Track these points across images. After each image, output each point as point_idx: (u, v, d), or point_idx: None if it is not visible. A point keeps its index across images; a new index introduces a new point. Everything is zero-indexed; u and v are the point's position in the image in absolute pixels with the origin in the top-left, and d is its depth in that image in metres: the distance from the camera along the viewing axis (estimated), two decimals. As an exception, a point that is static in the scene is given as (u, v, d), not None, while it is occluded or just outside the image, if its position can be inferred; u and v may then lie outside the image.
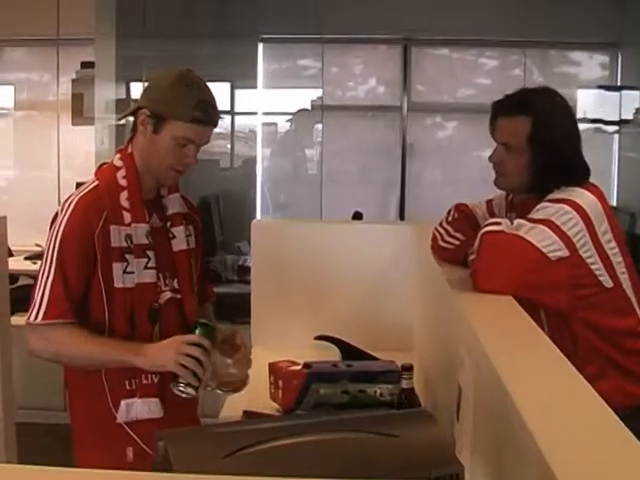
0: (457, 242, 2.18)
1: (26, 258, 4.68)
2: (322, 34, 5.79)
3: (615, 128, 5.90)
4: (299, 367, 2.28)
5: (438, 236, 2.25)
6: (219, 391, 2.09)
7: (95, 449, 2.00)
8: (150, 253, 1.99)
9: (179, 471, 1.04)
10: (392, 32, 5.88)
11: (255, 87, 6.02)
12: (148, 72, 5.43)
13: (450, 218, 2.26)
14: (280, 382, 2.25)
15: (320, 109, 5.97)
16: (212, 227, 5.31)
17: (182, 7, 5.75)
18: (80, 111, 5.16)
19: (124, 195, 1.98)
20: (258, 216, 5.96)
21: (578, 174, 2.03)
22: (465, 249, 2.06)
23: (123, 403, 1.96)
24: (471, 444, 1.51)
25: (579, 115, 5.69)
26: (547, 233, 1.86)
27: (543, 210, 1.92)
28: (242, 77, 6.06)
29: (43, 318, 1.90)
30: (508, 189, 2.17)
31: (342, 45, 6.11)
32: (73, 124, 5.23)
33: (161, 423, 1.93)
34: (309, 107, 6.05)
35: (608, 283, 1.95)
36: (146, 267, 1.97)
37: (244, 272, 4.99)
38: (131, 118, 2.06)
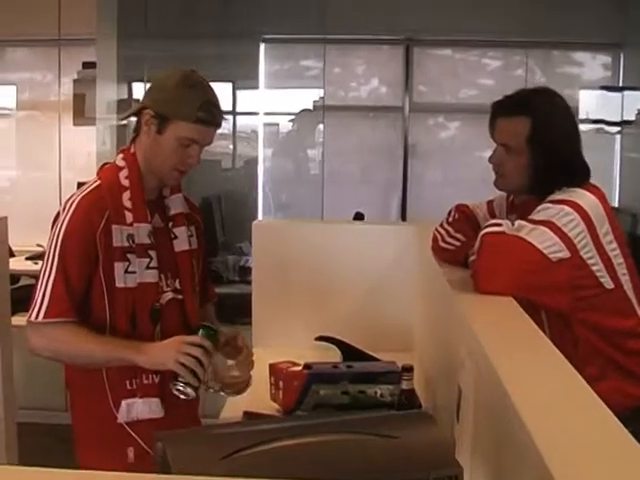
0: (458, 243, 2.18)
1: (27, 258, 4.68)
2: (324, 34, 5.79)
3: (617, 129, 5.90)
4: (299, 368, 2.28)
5: (439, 237, 2.25)
6: (222, 393, 2.09)
7: (96, 449, 2.01)
8: (152, 253, 1.99)
9: (177, 472, 1.04)
10: (394, 32, 5.88)
11: (257, 87, 6.02)
12: (150, 72, 5.43)
13: (451, 219, 2.26)
14: (280, 383, 2.25)
15: (322, 109, 5.97)
16: (214, 227, 5.32)
17: (183, 7, 5.76)
18: (82, 111, 5.17)
19: (126, 195, 1.98)
20: (260, 216, 5.96)
21: (578, 175, 2.02)
22: (466, 250, 2.06)
23: (124, 403, 1.96)
24: (471, 445, 1.51)
25: (581, 116, 5.70)
26: (548, 234, 1.86)
27: (544, 211, 1.92)
28: (244, 77, 6.06)
29: (44, 317, 1.91)
30: (508, 190, 2.17)
31: (344, 45, 6.11)
32: (74, 124, 5.23)
33: (162, 423, 1.93)
34: (311, 107, 6.05)
35: (609, 284, 1.94)
36: (148, 267, 1.98)
37: (245, 273, 4.99)
38: (134, 118, 2.07)
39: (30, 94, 5.44)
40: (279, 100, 6.18)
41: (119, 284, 1.94)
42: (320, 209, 5.82)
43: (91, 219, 1.93)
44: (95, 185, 2.00)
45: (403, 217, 5.93)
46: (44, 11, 5.04)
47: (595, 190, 2.00)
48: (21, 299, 2.78)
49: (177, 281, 2.06)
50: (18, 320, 2.84)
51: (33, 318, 1.92)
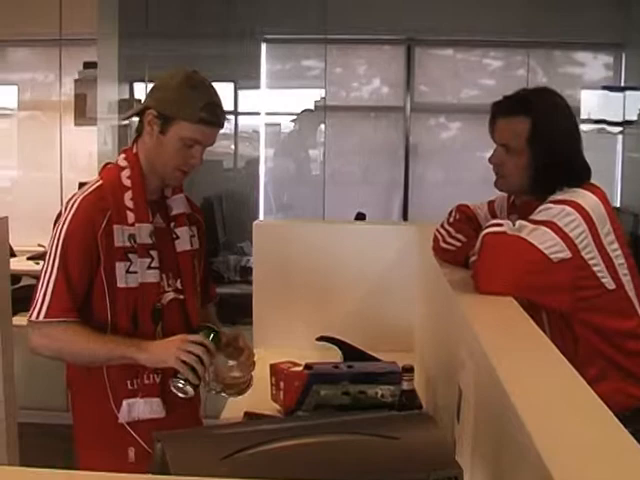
0: (458, 243, 2.17)
1: (29, 258, 4.68)
2: (325, 34, 5.79)
3: (619, 129, 5.90)
4: (300, 368, 2.28)
5: (439, 237, 2.25)
6: (223, 394, 2.09)
7: (97, 449, 2.01)
8: (153, 253, 1.99)
9: (176, 473, 1.03)
10: (396, 32, 5.88)
11: (258, 87, 6.02)
12: (151, 72, 5.44)
13: (451, 219, 2.26)
14: (281, 383, 2.25)
15: (323, 109, 5.97)
16: (215, 227, 5.32)
17: (185, 7, 5.76)
18: (83, 111, 5.17)
19: (128, 195, 1.98)
20: (261, 216, 5.96)
21: (579, 175, 2.02)
22: (466, 250, 2.05)
23: (125, 403, 1.96)
24: (471, 446, 1.51)
25: (583, 116, 5.69)
26: (549, 235, 1.85)
27: (545, 211, 1.91)
28: (245, 77, 6.06)
29: (45, 316, 1.91)
30: (509, 191, 2.16)
31: (345, 45, 6.12)
32: (76, 124, 5.23)
33: (163, 423, 1.93)
34: (312, 107, 6.05)
35: (610, 285, 1.94)
36: (149, 267, 1.98)
37: (246, 273, 4.99)
38: (135, 118, 2.07)
39: (31, 94, 5.44)
40: (280, 100, 6.19)
41: (120, 284, 1.94)
42: (321, 209, 5.82)
43: (92, 219, 1.93)
44: (97, 185, 2.00)
45: (404, 217, 5.93)
46: (45, 11, 5.04)
47: (596, 190, 2.00)
48: (22, 299, 2.77)
49: (178, 281, 2.06)
50: (19, 320, 2.84)
51: (34, 317, 1.92)
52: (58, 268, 1.91)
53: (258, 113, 6.08)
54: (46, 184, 5.26)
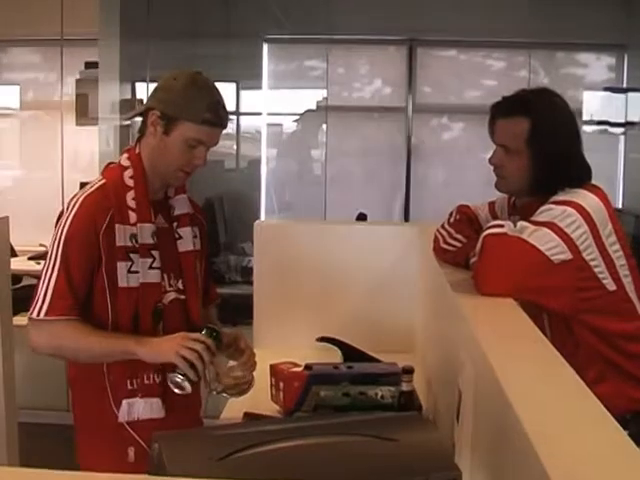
0: (459, 244, 2.17)
1: (30, 258, 4.68)
2: (328, 35, 5.79)
3: (621, 130, 5.89)
4: (300, 369, 2.27)
5: (440, 238, 2.24)
6: (224, 394, 2.09)
7: (97, 449, 2.01)
8: (155, 253, 1.99)
9: (173, 474, 1.03)
10: (398, 33, 5.88)
11: (260, 88, 6.02)
12: (152, 72, 5.44)
13: (452, 220, 2.25)
14: (281, 384, 2.24)
15: (325, 110, 5.97)
16: (216, 228, 5.32)
17: (187, 7, 5.76)
18: (84, 111, 5.17)
19: (130, 195, 1.98)
20: (262, 217, 5.96)
21: (579, 175, 2.01)
22: (467, 251, 2.05)
23: (124, 403, 1.97)
24: (471, 447, 1.51)
25: (585, 117, 5.69)
26: (550, 236, 1.85)
27: (546, 212, 1.91)
28: (247, 78, 6.07)
29: (46, 314, 1.91)
30: (509, 192, 2.16)
31: (348, 46, 6.11)
32: (77, 124, 5.23)
33: (163, 423, 1.93)
34: (314, 108, 6.05)
35: (611, 286, 1.93)
36: (151, 267, 1.98)
37: (248, 273, 4.98)
38: (138, 118, 2.07)
39: (33, 94, 5.45)
40: (282, 100, 6.19)
41: (122, 284, 1.94)
42: (323, 209, 5.83)
43: (94, 218, 1.93)
44: (99, 184, 2.00)
45: (406, 218, 5.93)
46: (47, 11, 5.05)
47: (597, 191, 1.99)
48: (23, 299, 2.77)
49: (180, 281, 2.06)
50: (20, 320, 2.84)
51: (35, 315, 1.92)
52: (59, 267, 1.91)
53: (260, 113, 6.08)
54: (47, 184, 5.26)
